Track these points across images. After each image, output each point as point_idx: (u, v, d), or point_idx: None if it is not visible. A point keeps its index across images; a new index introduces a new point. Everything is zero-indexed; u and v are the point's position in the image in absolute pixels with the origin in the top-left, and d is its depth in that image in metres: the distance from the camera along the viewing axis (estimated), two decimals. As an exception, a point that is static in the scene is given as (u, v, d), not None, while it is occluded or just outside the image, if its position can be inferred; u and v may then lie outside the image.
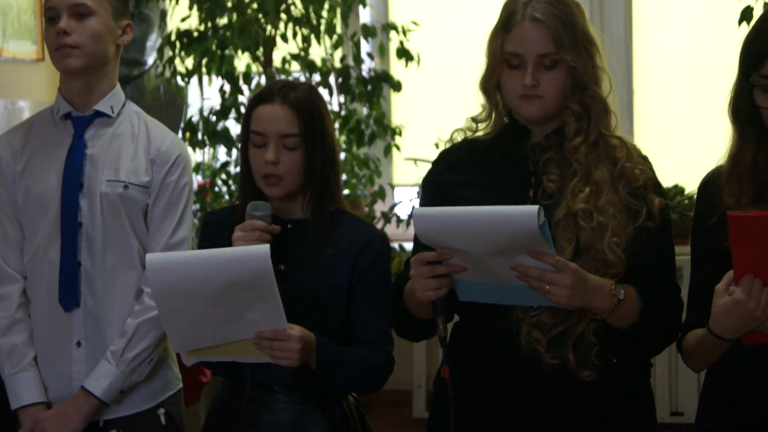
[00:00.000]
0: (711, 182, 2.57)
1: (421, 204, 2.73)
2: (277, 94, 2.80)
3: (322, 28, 5.19)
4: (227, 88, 5.23)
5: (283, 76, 5.22)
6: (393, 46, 5.40)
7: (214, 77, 5.25)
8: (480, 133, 2.72)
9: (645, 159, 2.65)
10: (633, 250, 2.53)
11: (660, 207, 2.57)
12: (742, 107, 2.49)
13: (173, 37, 5.23)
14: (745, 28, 3.99)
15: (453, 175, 2.68)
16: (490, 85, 2.66)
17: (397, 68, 5.69)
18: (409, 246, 5.19)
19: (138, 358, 2.99)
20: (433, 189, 2.71)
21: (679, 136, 6.13)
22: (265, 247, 2.53)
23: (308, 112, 2.79)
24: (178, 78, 5.32)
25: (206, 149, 5.43)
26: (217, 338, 2.65)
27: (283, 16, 5.16)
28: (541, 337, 2.53)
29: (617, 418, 2.59)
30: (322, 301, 2.78)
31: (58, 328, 3.02)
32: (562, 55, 2.54)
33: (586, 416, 2.56)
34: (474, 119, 2.71)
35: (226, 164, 5.36)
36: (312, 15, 5.15)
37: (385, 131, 5.40)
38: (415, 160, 5.60)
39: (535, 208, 2.29)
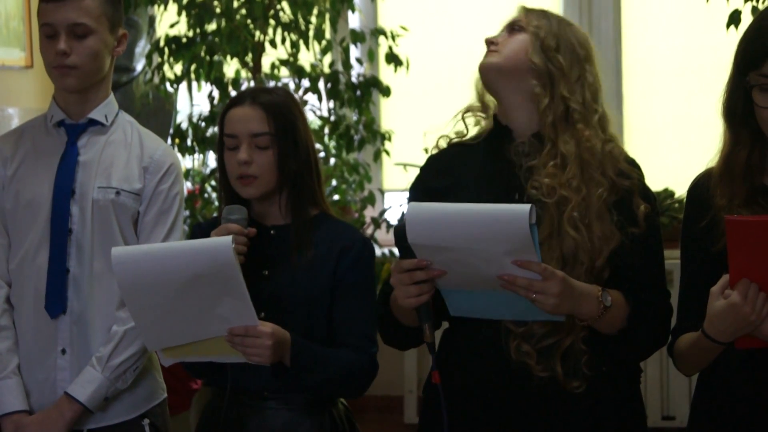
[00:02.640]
0: (701, 185, 2.56)
1: None
2: (247, 97, 2.83)
3: (311, 33, 5.19)
4: (216, 94, 5.23)
5: (272, 82, 5.22)
6: (382, 51, 5.40)
7: (203, 83, 5.24)
8: (472, 133, 2.73)
9: (633, 163, 2.64)
10: (620, 257, 2.52)
11: (645, 213, 2.57)
12: (737, 107, 2.48)
13: (162, 44, 5.23)
14: (734, 31, 3.99)
15: (440, 181, 2.69)
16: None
17: (386, 73, 5.68)
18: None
19: (123, 365, 2.98)
20: (421, 195, 2.71)
21: (669, 139, 6.13)
22: (227, 239, 2.53)
23: (278, 111, 2.81)
24: (167, 84, 5.32)
25: (195, 155, 5.43)
26: (190, 335, 2.63)
27: (272, 21, 5.16)
28: (530, 349, 2.53)
29: (608, 425, 2.58)
30: (307, 304, 2.79)
31: (43, 335, 3.01)
32: (528, 20, 2.65)
33: (577, 425, 2.56)
34: (469, 108, 2.74)
35: (215, 170, 5.35)
36: (301, 20, 5.15)
37: (375, 136, 5.40)
38: (405, 165, 5.59)
39: (527, 206, 2.29)
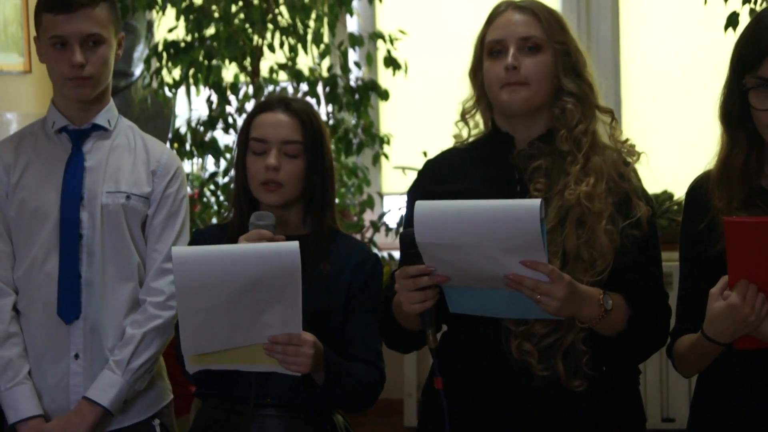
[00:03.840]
0: (699, 187, 2.57)
1: (407, 216, 2.72)
2: (278, 104, 2.84)
3: (309, 37, 5.18)
4: (215, 98, 5.23)
5: (270, 86, 5.22)
6: (380, 55, 5.40)
7: (201, 88, 5.24)
8: (475, 114, 2.72)
9: (630, 165, 2.64)
10: (620, 259, 2.52)
11: (647, 216, 2.57)
12: (734, 110, 2.48)
13: (160, 48, 5.22)
14: (732, 34, 3.99)
15: (438, 186, 2.68)
16: (474, 75, 2.68)
17: (384, 77, 5.68)
18: (398, 255, 5.20)
19: (143, 368, 3.01)
20: (420, 199, 2.70)
21: (668, 142, 6.13)
22: (295, 244, 2.52)
23: (310, 122, 2.82)
24: (166, 89, 5.31)
25: (194, 160, 5.42)
26: (228, 342, 2.61)
27: (270, 26, 5.15)
28: (531, 348, 2.53)
29: (608, 425, 2.58)
30: (321, 315, 2.78)
31: (55, 341, 3.02)
32: (554, 37, 2.56)
33: (577, 424, 2.56)
34: (463, 111, 2.71)
35: (214, 174, 5.35)
36: (299, 24, 5.15)
37: (373, 140, 5.40)
38: (404, 169, 5.59)
39: (537, 201, 2.29)
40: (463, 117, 2.73)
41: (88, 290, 3.01)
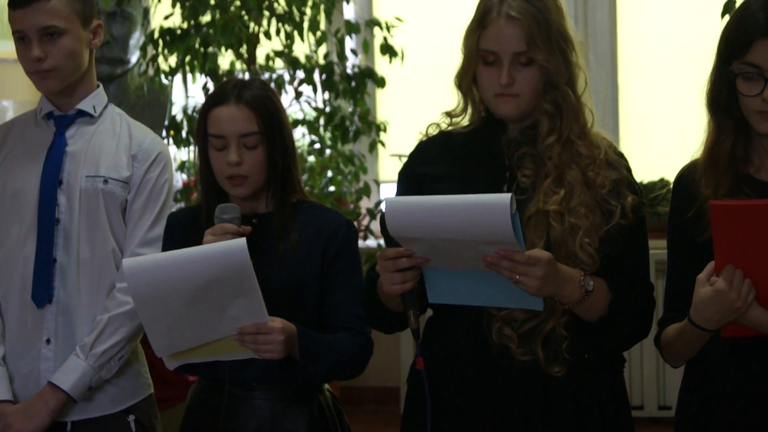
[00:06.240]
0: (687, 176, 2.57)
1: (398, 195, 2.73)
2: (231, 95, 2.80)
3: (306, 24, 5.18)
4: (211, 85, 5.23)
5: (267, 73, 5.22)
6: (377, 42, 5.40)
7: (197, 75, 5.24)
8: (461, 121, 2.72)
9: (620, 156, 2.64)
10: (605, 248, 2.52)
11: (633, 204, 2.57)
12: (721, 97, 2.48)
13: (156, 35, 5.22)
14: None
15: (428, 168, 2.69)
16: (465, 81, 2.67)
17: (381, 64, 5.68)
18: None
19: (107, 353, 2.98)
20: (409, 181, 2.72)
21: (665, 130, 6.14)
22: (242, 241, 2.55)
23: (265, 108, 2.80)
24: (162, 76, 5.31)
25: (191, 147, 5.42)
26: (199, 338, 2.66)
27: (266, 12, 5.15)
28: (512, 333, 2.54)
29: (590, 412, 2.59)
30: (296, 291, 2.80)
31: (28, 325, 3.01)
32: (535, 54, 2.55)
33: (558, 411, 2.56)
34: (448, 114, 2.72)
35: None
36: (295, 11, 5.15)
37: (370, 127, 5.40)
38: (400, 156, 5.58)
39: (507, 196, 2.28)
40: (451, 119, 2.73)
41: (62, 274, 3.00)
